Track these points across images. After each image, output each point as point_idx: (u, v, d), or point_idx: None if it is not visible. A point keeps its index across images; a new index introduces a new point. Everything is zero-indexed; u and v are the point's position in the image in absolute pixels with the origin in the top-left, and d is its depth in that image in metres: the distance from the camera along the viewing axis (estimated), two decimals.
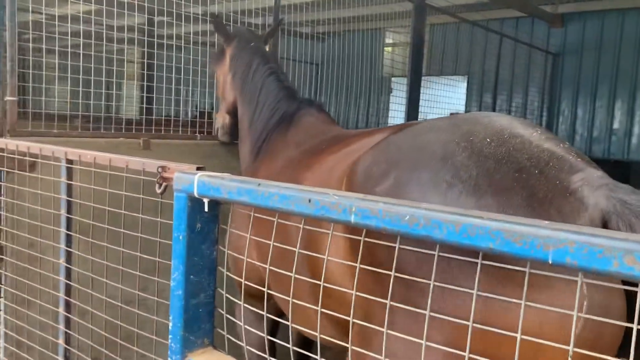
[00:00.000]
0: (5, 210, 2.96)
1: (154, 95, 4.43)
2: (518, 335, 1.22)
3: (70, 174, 2.37)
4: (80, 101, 3.77)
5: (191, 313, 1.79)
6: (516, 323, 1.45)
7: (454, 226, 1.15)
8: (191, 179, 1.70)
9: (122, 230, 2.15)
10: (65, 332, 2.44)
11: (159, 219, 2.03)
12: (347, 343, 2.15)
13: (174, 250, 1.77)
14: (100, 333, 2.35)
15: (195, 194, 1.70)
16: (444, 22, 7.97)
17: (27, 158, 2.59)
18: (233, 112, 3.70)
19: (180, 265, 1.76)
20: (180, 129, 4.41)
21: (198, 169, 1.84)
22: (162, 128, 3.88)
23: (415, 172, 1.74)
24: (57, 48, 3.53)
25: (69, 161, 2.36)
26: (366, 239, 1.54)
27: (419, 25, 5.58)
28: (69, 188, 2.38)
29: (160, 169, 1.92)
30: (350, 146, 2.46)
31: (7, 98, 3.01)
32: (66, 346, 2.45)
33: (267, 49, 3.80)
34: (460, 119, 1.93)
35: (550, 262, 1.04)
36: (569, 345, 1.37)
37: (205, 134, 4.13)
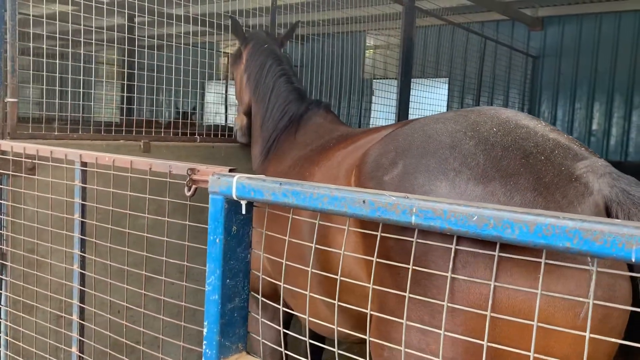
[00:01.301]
0: (6, 215, 2.86)
1: (133, 94, 4.33)
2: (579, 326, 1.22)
3: (84, 176, 2.31)
4: (69, 103, 3.68)
5: (227, 318, 1.76)
6: (522, 307, 1.50)
7: (528, 226, 1.14)
8: (229, 181, 1.67)
9: (144, 234, 2.10)
10: (80, 340, 2.37)
11: (187, 222, 1.99)
12: (356, 335, 2.15)
13: (210, 253, 1.74)
14: (109, 340, 2.30)
15: (234, 196, 1.67)
16: (425, 25, 8.03)
17: (36, 161, 2.51)
18: (249, 113, 3.71)
19: (216, 269, 1.73)
20: (163, 130, 4.34)
21: (231, 170, 1.81)
22: (162, 130, 3.81)
23: (424, 160, 1.76)
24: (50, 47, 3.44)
25: (84, 164, 2.30)
26: (377, 232, 1.56)
27: (409, 28, 5.62)
28: (83, 191, 2.32)
29: (189, 171, 1.89)
30: (358, 141, 2.48)
31: (8, 99, 2.91)
32: (79, 354, 2.38)
33: (282, 51, 3.80)
34: (466, 111, 1.98)
35: (633, 260, 1.04)
36: (576, 325, 1.44)
37: (186, 134, 4.06)
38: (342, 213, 1.46)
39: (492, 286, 1.35)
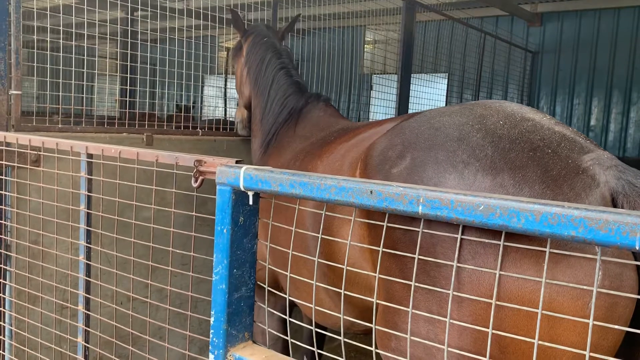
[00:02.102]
0: (11, 206, 2.88)
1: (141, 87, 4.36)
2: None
3: (90, 168, 2.33)
4: (74, 95, 3.69)
5: (234, 307, 1.79)
6: (531, 297, 1.53)
7: (534, 215, 1.17)
8: (237, 172, 1.69)
9: (149, 225, 2.12)
10: (85, 330, 2.39)
11: (194, 213, 2.01)
12: (359, 325, 2.16)
13: (217, 244, 1.76)
14: (114, 330, 2.32)
15: (241, 187, 1.69)
16: (424, 20, 8.04)
17: (40, 153, 2.53)
18: (250, 107, 3.74)
19: (224, 259, 1.75)
20: (165, 124, 4.37)
21: (237, 162, 1.83)
22: (165, 123, 3.83)
23: (432, 153, 1.78)
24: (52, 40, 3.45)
25: (90, 155, 2.31)
26: (379, 223, 1.58)
27: (409, 23, 5.64)
28: (89, 183, 2.34)
29: (196, 163, 1.91)
30: (361, 134, 2.50)
31: (12, 92, 2.93)
32: (85, 344, 2.40)
33: (282, 44, 3.82)
34: (472, 104, 1.99)
35: (637, 247, 1.07)
36: (584, 314, 1.47)
37: (183, 128, 4.08)
38: (349, 203, 1.48)
39: (497, 275, 1.37)
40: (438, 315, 1.61)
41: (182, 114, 4.34)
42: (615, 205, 1.61)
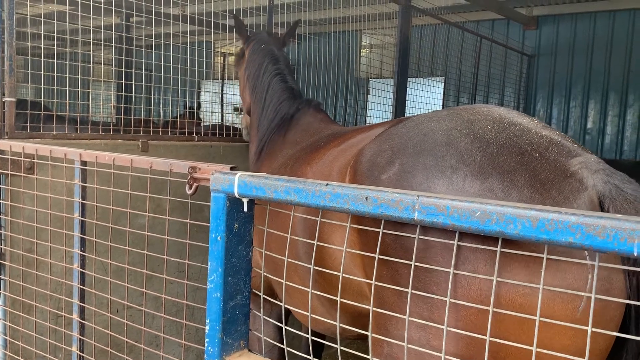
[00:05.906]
0: (5, 214, 2.86)
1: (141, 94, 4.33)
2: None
3: (84, 175, 2.31)
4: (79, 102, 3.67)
5: (229, 315, 1.77)
6: (522, 301, 1.52)
7: (531, 221, 1.16)
8: (231, 179, 1.68)
9: (144, 232, 2.11)
10: (80, 339, 2.37)
11: (188, 220, 1.99)
12: (352, 332, 2.13)
13: (211, 251, 1.74)
14: (109, 339, 2.30)
15: (236, 194, 1.68)
16: (420, 24, 8.05)
17: (34, 160, 2.51)
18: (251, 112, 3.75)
19: (218, 267, 1.73)
20: (161, 130, 4.35)
21: (232, 169, 1.82)
22: (160, 129, 3.82)
23: (420, 158, 1.78)
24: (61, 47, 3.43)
25: (83, 163, 2.30)
26: (369, 228, 1.56)
27: (404, 27, 5.63)
28: (83, 190, 2.32)
29: (191, 170, 1.89)
30: (350, 140, 2.49)
31: (6, 99, 2.91)
32: (80, 353, 2.38)
33: (284, 50, 3.82)
34: (459, 109, 1.99)
35: (635, 254, 1.06)
36: (575, 317, 1.48)
37: (184, 134, 4.08)
38: (344, 210, 1.46)
39: (494, 282, 1.36)
40: (429, 321, 1.60)
41: (187, 120, 4.32)
42: (601, 209, 1.60)
